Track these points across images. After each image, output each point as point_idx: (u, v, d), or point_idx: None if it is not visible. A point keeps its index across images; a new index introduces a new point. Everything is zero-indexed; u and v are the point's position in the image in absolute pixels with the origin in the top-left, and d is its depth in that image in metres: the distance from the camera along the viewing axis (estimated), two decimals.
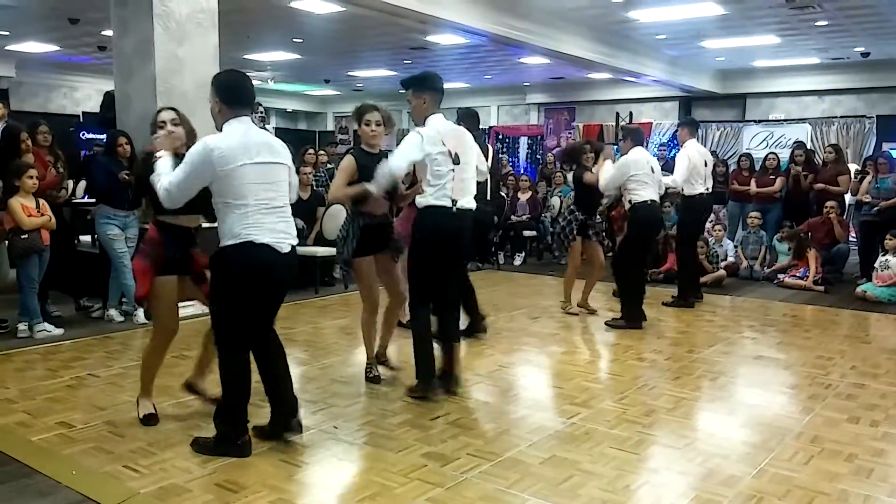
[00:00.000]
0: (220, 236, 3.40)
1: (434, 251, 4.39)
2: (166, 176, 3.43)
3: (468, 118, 6.00)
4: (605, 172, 6.57)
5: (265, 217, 3.36)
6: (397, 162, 4.25)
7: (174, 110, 3.92)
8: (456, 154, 4.30)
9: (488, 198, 5.90)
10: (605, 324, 6.57)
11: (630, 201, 6.52)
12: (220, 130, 3.42)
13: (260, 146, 3.40)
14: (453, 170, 4.28)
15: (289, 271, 3.54)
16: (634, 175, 6.40)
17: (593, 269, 7.03)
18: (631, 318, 6.46)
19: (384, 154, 4.58)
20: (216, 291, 3.52)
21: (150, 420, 3.93)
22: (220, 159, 3.27)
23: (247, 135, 3.39)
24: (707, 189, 7.54)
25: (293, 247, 3.50)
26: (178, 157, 3.69)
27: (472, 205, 4.44)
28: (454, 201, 4.30)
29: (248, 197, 3.32)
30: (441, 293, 4.52)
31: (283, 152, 3.55)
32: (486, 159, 5.85)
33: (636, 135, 6.79)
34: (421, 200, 4.32)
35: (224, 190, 3.32)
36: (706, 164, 7.54)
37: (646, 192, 6.44)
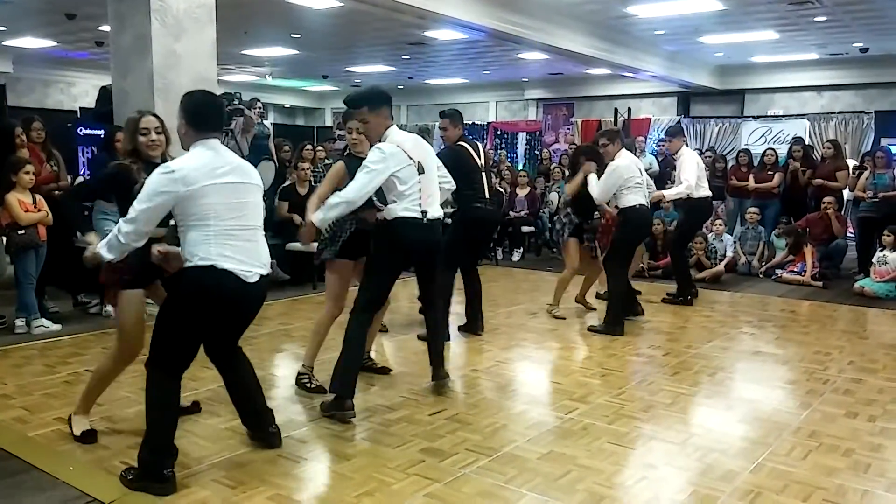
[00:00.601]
0: (182, 256, 3.19)
1: (399, 263, 4.29)
2: (124, 222, 3.15)
3: (453, 117, 5.99)
4: (593, 186, 6.43)
5: (231, 241, 3.15)
6: (355, 193, 3.97)
7: (157, 117, 3.71)
8: (419, 163, 4.17)
9: (487, 195, 5.88)
10: (588, 328, 6.35)
11: (618, 206, 6.40)
12: (187, 150, 3.27)
13: (227, 168, 3.22)
14: (419, 180, 4.15)
15: (253, 302, 3.33)
16: (627, 180, 6.25)
17: (592, 267, 6.97)
18: (613, 323, 6.24)
19: None
20: (169, 309, 3.24)
21: (89, 437, 3.66)
22: (183, 180, 3.07)
23: (212, 157, 3.20)
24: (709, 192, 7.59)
25: (262, 276, 3.26)
26: (152, 166, 3.51)
27: (440, 213, 4.32)
28: (424, 212, 4.17)
29: (212, 219, 3.12)
30: (425, 296, 4.59)
31: (252, 174, 3.37)
32: (480, 156, 5.86)
33: (621, 137, 6.69)
34: (390, 212, 4.12)
35: (187, 211, 3.12)
36: (704, 168, 7.57)
37: (635, 197, 6.31)
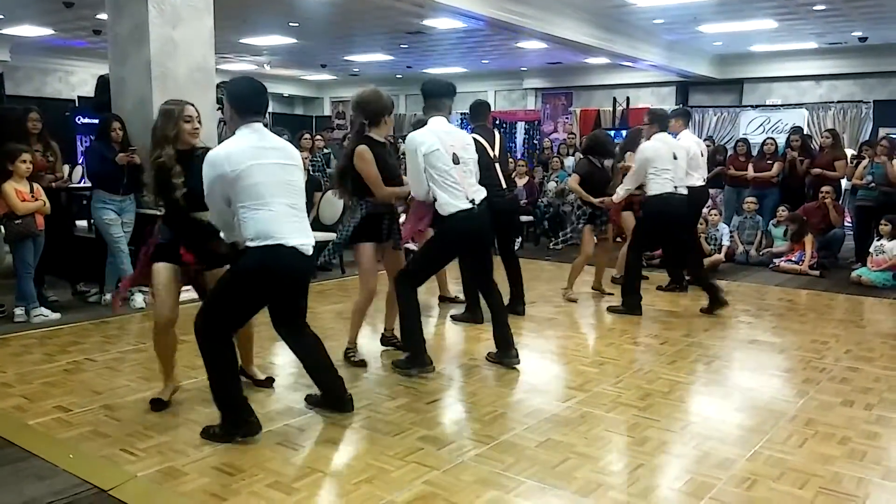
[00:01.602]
0: (244, 238, 3.38)
1: (452, 253, 4.80)
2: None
3: (478, 108, 6.26)
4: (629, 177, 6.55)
5: (289, 219, 3.42)
6: (417, 186, 4.49)
7: (194, 106, 3.88)
8: (454, 154, 4.45)
9: (504, 185, 5.96)
10: (607, 309, 6.57)
11: (646, 192, 6.40)
12: (234, 134, 3.49)
13: (272, 149, 3.46)
14: (454, 169, 4.43)
15: (310, 274, 3.71)
16: (654, 166, 6.24)
17: (601, 255, 7.08)
18: (628, 305, 6.42)
19: (388, 142, 4.87)
20: (231, 284, 3.47)
21: (156, 405, 3.94)
22: (228, 161, 3.31)
23: (257, 139, 3.43)
24: (704, 180, 7.51)
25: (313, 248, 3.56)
26: (189, 154, 3.74)
27: (484, 194, 4.62)
28: (472, 200, 4.48)
29: (267, 197, 3.34)
30: (481, 281, 4.90)
31: (295, 156, 3.59)
32: (494, 147, 5.88)
33: (664, 122, 6.59)
34: (442, 207, 4.45)
35: (240, 193, 3.33)
36: (702, 154, 7.50)
37: (660, 185, 6.24)
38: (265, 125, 3.55)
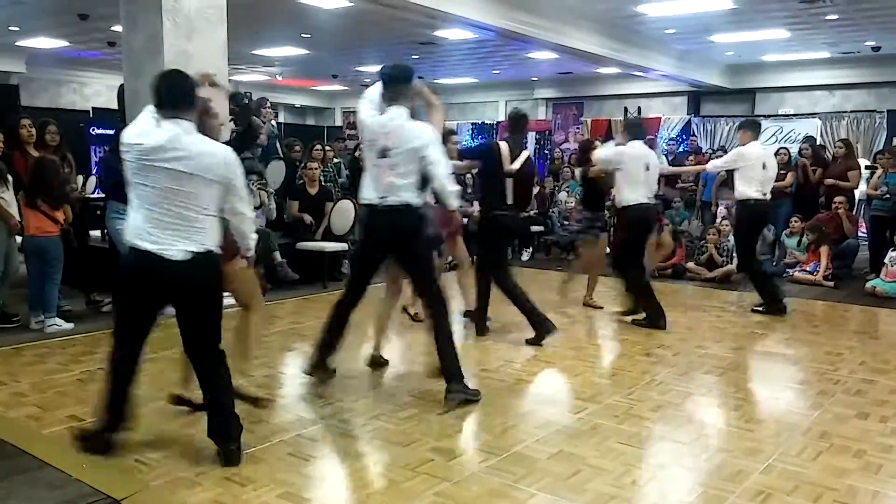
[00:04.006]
0: None
1: (363, 249, 4.53)
2: None
3: (516, 120, 6.11)
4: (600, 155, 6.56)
5: (156, 224, 3.20)
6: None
7: None
8: (384, 146, 4.12)
9: (510, 202, 5.64)
10: (633, 322, 6.40)
11: (620, 202, 6.41)
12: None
13: (156, 143, 3.16)
14: (378, 164, 4.16)
15: (179, 280, 3.24)
16: (627, 169, 6.25)
17: (593, 269, 7.07)
18: (652, 318, 6.30)
19: None
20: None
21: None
22: (122, 143, 3.28)
23: (147, 126, 3.21)
24: (764, 194, 6.81)
25: (195, 254, 3.20)
26: None
27: (400, 200, 4.17)
28: (382, 197, 4.17)
29: (132, 192, 3.28)
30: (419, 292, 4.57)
31: (213, 166, 3.21)
32: (518, 160, 5.69)
33: (637, 130, 6.68)
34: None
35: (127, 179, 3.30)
36: (764, 167, 6.80)
37: (635, 194, 6.27)
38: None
